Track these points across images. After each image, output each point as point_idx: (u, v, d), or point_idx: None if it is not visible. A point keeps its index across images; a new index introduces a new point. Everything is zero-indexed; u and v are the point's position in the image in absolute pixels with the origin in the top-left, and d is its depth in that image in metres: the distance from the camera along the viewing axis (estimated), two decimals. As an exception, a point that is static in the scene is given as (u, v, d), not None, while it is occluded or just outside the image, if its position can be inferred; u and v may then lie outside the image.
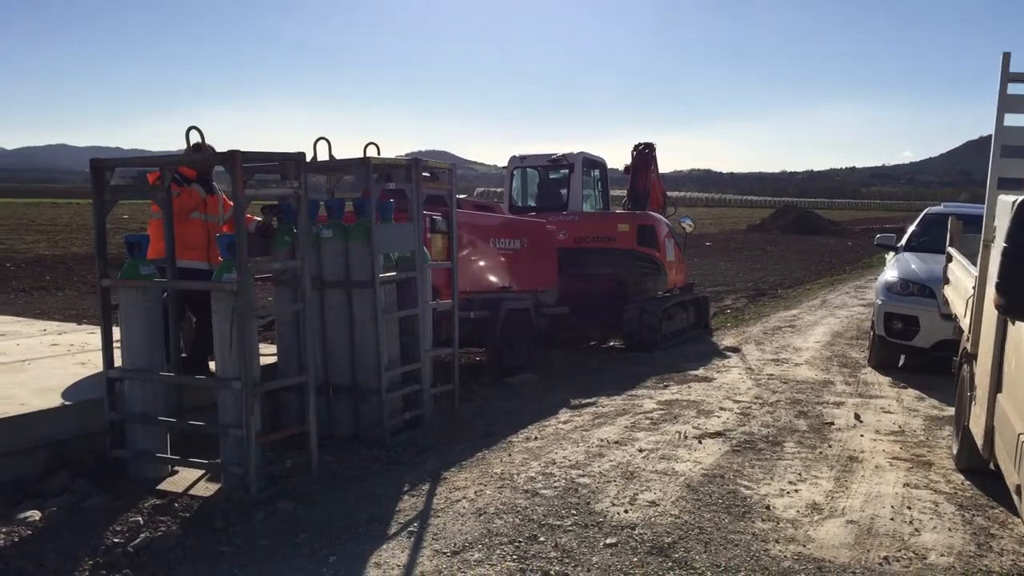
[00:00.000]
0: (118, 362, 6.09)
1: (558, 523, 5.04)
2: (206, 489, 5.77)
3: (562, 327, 11.45)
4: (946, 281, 7.65)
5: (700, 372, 9.46)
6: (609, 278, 11.79)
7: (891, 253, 11.08)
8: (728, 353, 10.81)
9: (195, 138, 6.14)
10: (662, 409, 7.71)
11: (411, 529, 5.01)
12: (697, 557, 4.59)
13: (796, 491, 5.66)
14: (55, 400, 6.07)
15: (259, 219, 7.29)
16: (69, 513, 5.27)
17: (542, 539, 4.82)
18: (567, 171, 12.88)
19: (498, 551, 4.66)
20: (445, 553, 4.65)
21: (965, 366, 6.14)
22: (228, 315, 5.53)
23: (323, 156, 6.96)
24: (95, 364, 7.27)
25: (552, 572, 4.40)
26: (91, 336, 8.76)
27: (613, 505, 5.33)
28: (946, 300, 7.56)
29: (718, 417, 7.44)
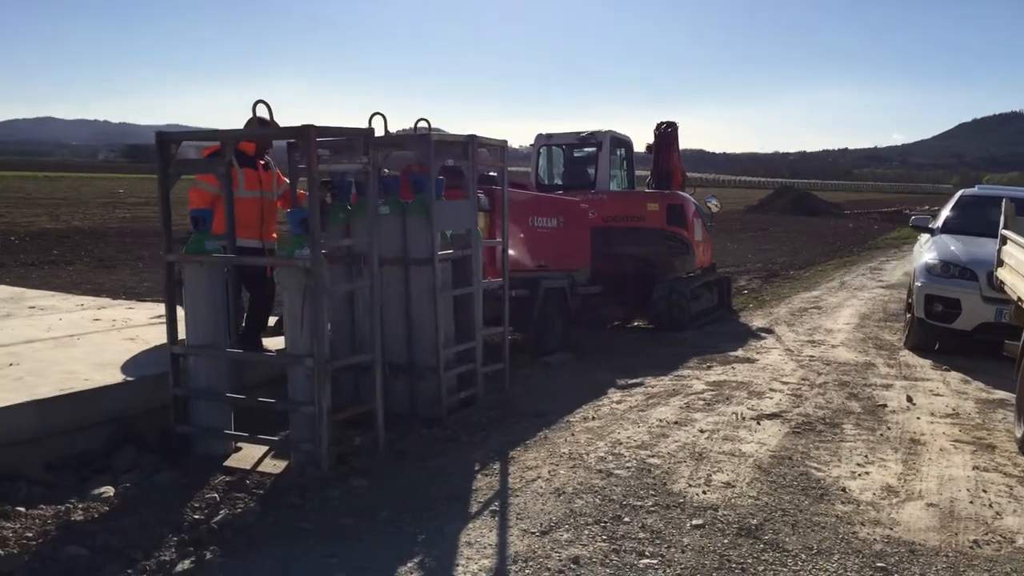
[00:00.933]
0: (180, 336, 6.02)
1: (639, 503, 5.02)
2: (274, 466, 5.73)
3: (588, 307, 11.40)
4: (999, 264, 7.63)
5: (740, 353, 9.44)
6: (638, 258, 11.73)
7: (926, 235, 11.03)
8: (762, 334, 10.80)
9: (262, 112, 6.05)
10: (712, 390, 7.69)
11: (493, 508, 4.98)
12: (787, 539, 4.58)
13: (867, 473, 5.65)
14: (116, 375, 6.01)
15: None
16: (142, 489, 5.23)
17: (627, 520, 4.79)
18: (595, 149, 12.80)
19: (586, 531, 4.64)
20: (533, 533, 4.62)
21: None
22: (300, 292, 5.47)
23: (379, 131, 6.87)
24: (144, 339, 7.23)
25: (646, 552, 4.38)
26: (130, 312, 8.70)
27: (690, 486, 5.30)
28: (1000, 283, 7.53)
29: (770, 399, 7.43)
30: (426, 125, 7.09)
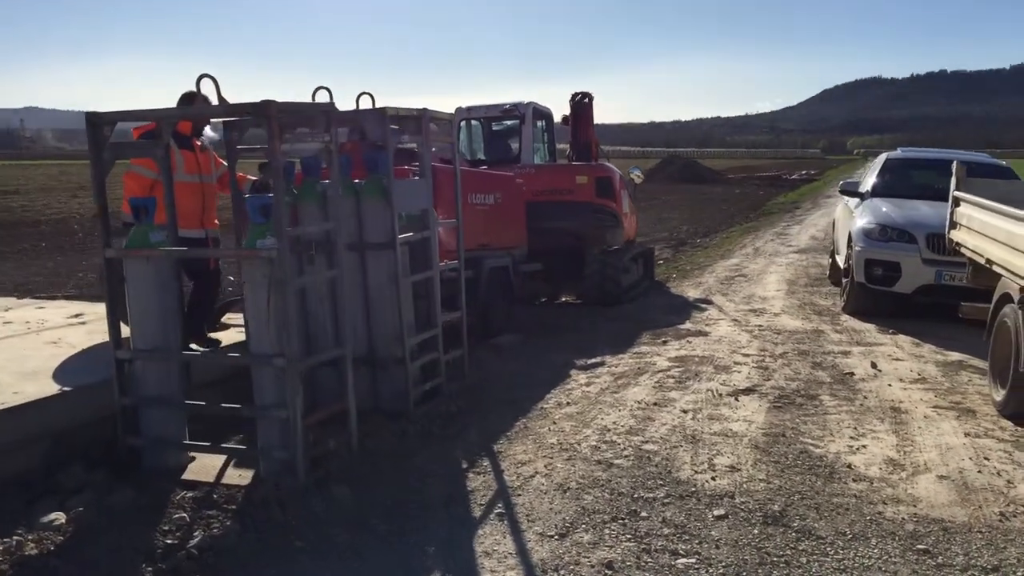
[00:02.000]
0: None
1: (651, 495, 4.73)
2: (240, 477, 5.21)
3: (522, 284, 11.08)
4: (952, 226, 7.63)
5: (689, 326, 9.28)
6: (568, 232, 11.41)
7: (854, 200, 11.08)
8: (702, 305, 10.67)
9: (206, 88, 5.42)
10: (678, 366, 7.47)
11: (498, 511, 4.61)
12: (817, 525, 4.37)
13: (864, 447, 5.51)
14: (50, 386, 5.37)
15: (253, 178, 6.65)
16: (98, 513, 4.66)
17: (644, 515, 4.50)
18: (516, 122, 12.43)
19: (606, 531, 4.33)
20: (551, 536, 4.28)
21: (1008, 310, 6.09)
22: (264, 285, 4.95)
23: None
24: (68, 343, 6.57)
25: (680, 551, 4.09)
26: (42, 312, 7.93)
27: (696, 473, 5.05)
28: (956, 245, 7.52)
29: (738, 372, 7.26)
30: (370, 100, 6.59)
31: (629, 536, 4.27)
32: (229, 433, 5.72)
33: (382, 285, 6.24)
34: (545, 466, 5.18)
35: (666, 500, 4.67)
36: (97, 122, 5.14)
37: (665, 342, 8.46)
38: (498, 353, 8.27)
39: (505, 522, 4.47)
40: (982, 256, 6.61)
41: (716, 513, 4.49)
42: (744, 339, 8.55)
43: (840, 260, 11.46)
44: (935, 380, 7.08)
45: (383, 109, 6.10)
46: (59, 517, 4.58)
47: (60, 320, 7.43)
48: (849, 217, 10.99)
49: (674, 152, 63.28)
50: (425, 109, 6.59)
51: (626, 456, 5.30)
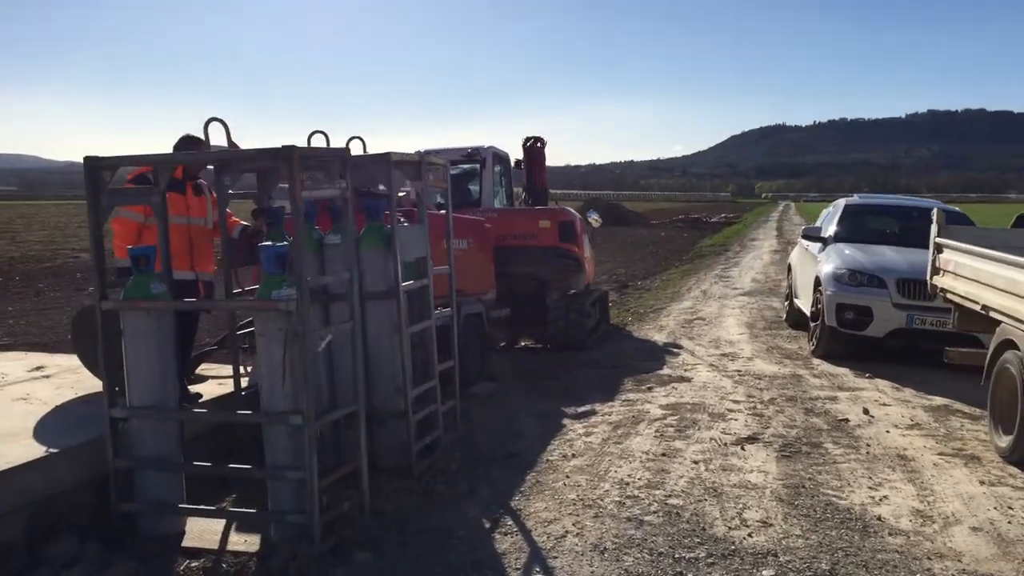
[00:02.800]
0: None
1: (692, 555, 4.55)
2: (246, 543, 4.88)
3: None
4: (935, 272, 7.70)
5: (668, 372, 9.17)
6: (532, 277, 11.26)
7: (815, 244, 11.20)
8: (673, 349, 10.59)
9: (216, 131, 5.14)
10: (672, 414, 7.34)
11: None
12: (872, 583, 4.24)
13: (886, 498, 5.44)
14: (34, 448, 4.95)
15: (245, 223, 6.35)
16: (101, 589, 4.29)
17: (692, 576, 4.31)
18: (477, 166, 12.28)
19: (659, 595, 4.12)
20: (602, 603, 4.06)
21: (1012, 356, 6.12)
22: (280, 338, 4.66)
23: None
24: (39, 399, 6.14)
25: (743, 616, 3.91)
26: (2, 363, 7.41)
27: (730, 529, 4.89)
28: (942, 291, 7.59)
29: (735, 420, 7.16)
30: (361, 144, 6.36)
31: (684, 601, 4.08)
32: (215, 493, 5.36)
33: (382, 336, 5.97)
34: (574, 524, 4.96)
35: (710, 560, 4.49)
36: (96, 166, 4.81)
37: (650, 388, 8.33)
38: (478, 402, 8.02)
39: (549, 588, 4.24)
40: (977, 303, 6.65)
41: (766, 574, 4.34)
42: (728, 385, 8.47)
43: (802, 304, 11.56)
44: (929, 426, 7.08)
45: (388, 155, 5.87)
46: (58, 596, 4.21)
47: (22, 374, 6.95)
48: (811, 262, 11.10)
49: (596, 195, 63.92)
50: (423, 154, 6.40)
51: (655, 512, 5.12)
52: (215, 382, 6.77)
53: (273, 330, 4.68)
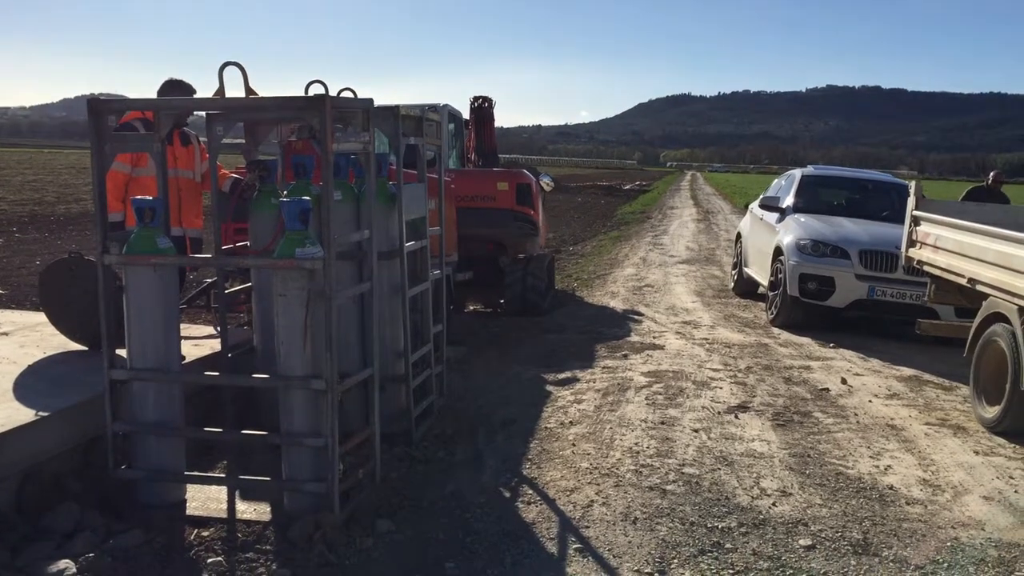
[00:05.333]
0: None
1: (723, 524, 4.51)
2: (256, 512, 4.65)
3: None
4: (911, 244, 7.82)
5: (638, 339, 9.13)
6: (490, 239, 11.08)
7: (771, 214, 11.29)
8: (634, 316, 10.57)
9: (232, 77, 4.77)
10: (656, 381, 7.30)
11: (575, 546, 4.28)
12: (907, 553, 4.28)
13: (889, 467, 5.50)
14: (19, 411, 4.60)
15: (236, 175, 6.01)
16: (112, 559, 4.02)
17: (730, 546, 4.28)
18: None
19: (703, 565, 4.08)
20: (650, 574, 3.98)
21: (1000, 329, 6.24)
22: (302, 299, 4.41)
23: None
24: (9, 359, 5.72)
25: (794, 587, 3.89)
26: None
27: (753, 499, 4.87)
28: (918, 263, 7.71)
29: (720, 388, 7.15)
30: (322, 88, 6.02)
31: (731, 572, 4.03)
32: (198, 458, 5.10)
33: (383, 297, 5.74)
34: (596, 494, 4.86)
35: (743, 530, 4.46)
36: (100, 110, 4.45)
37: (626, 356, 8.28)
38: (450, 367, 7.84)
39: (590, 558, 4.14)
40: (962, 276, 6.76)
41: (803, 543, 4.33)
42: (702, 353, 8.48)
43: (754, 273, 11.68)
44: (907, 396, 7.21)
45: (396, 107, 5.61)
46: (69, 566, 3.95)
47: (-17, 331, 6.48)
48: (767, 231, 11.19)
49: (512, 159, 63.57)
50: (425, 108, 6.15)
51: (674, 482, 5.06)
52: (190, 343, 6.43)
53: (295, 290, 4.42)
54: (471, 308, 11.55)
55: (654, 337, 9.22)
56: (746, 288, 12.27)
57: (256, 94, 4.70)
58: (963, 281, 6.77)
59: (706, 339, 9.20)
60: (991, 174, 12.07)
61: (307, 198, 4.49)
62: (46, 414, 4.60)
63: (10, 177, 34.90)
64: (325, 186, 4.36)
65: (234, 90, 4.70)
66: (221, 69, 4.60)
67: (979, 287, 6.56)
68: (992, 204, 9.45)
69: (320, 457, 4.47)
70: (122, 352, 4.68)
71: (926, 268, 7.57)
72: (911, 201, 7.88)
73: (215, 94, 4.60)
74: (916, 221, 7.76)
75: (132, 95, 5.96)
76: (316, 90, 5.71)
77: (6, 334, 6.48)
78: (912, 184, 8.13)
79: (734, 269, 13.12)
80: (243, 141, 5.64)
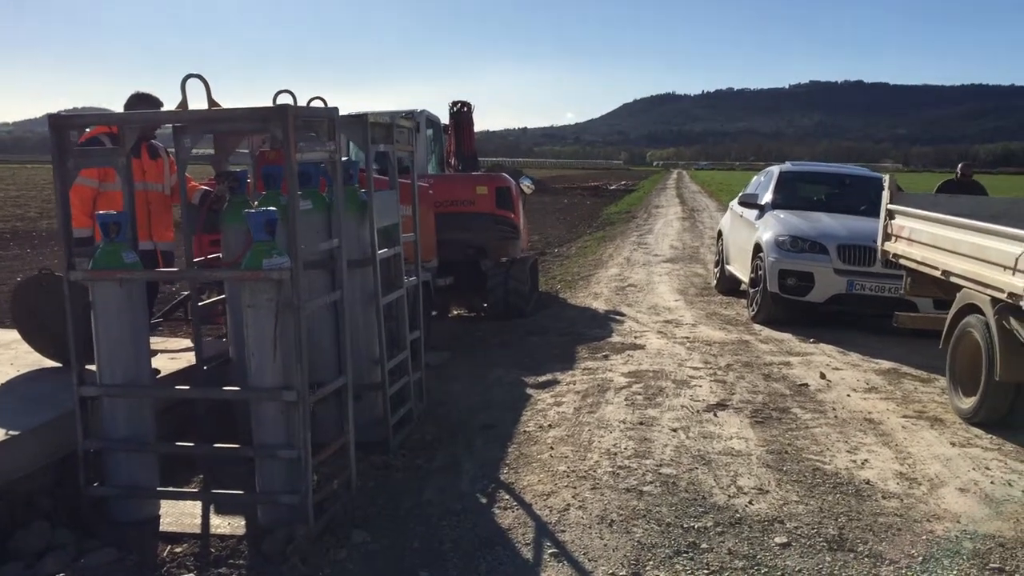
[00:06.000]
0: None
1: (699, 524, 4.51)
2: (231, 526, 4.63)
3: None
4: (887, 238, 7.84)
5: (619, 339, 9.13)
6: (470, 244, 11.07)
7: (751, 211, 11.31)
8: (616, 317, 10.57)
9: (194, 90, 4.76)
10: (636, 381, 7.29)
11: (550, 551, 4.27)
12: (882, 548, 4.28)
13: (866, 461, 5.51)
14: (-8, 430, 4.58)
15: (204, 187, 5.99)
16: (85, 577, 4.00)
17: (705, 546, 4.27)
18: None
19: (679, 566, 4.08)
20: (625, 576, 3.98)
21: (975, 320, 6.25)
22: (271, 310, 4.39)
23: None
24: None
25: (769, 585, 3.89)
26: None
27: (729, 497, 4.87)
28: (895, 257, 7.73)
29: (699, 387, 7.15)
30: (290, 97, 6.01)
31: (705, 572, 4.03)
32: (173, 472, 5.06)
33: (356, 305, 5.72)
34: (573, 497, 4.86)
35: (719, 529, 4.45)
36: (63, 125, 4.42)
37: (607, 356, 8.28)
38: (432, 373, 7.82)
39: (565, 563, 4.14)
40: (936, 268, 6.78)
41: (778, 541, 4.33)
42: (682, 352, 8.48)
43: (736, 270, 11.69)
44: (885, 389, 7.23)
45: (365, 116, 5.60)
46: (39, 586, 3.91)
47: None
48: (747, 228, 11.21)
49: (497, 162, 63.70)
50: (395, 115, 6.14)
51: (651, 483, 5.05)
52: (166, 356, 6.40)
53: (264, 301, 4.39)
54: (455, 313, 11.52)
55: (635, 337, 9.22)
56: (729, 286, 12.29)
57: (219, 106, 4.68)
58: (937, 273, 6.78)
59: (687, 338, 9.21)
60: (959, 166, 12.02)
61: (273, 208, 4.47)
62: (16, 433, 4.57)
63: (-8, 193, 34.74)
64: (291, 196, 4.34)
65: (200, 102, 4.68)
66: (183, 82, 4.58)
67: (953, 279, 6.58)
68: (965, 196, 9.47)
69: (293, 469, 4.45)
70: (93, 367, 4.66)
71: (902, 261, 7.58)
72: (885, 195, 7.90)
73: (178, 107, 4.59)
74: (891, 215, 7.78)
75: (115, 109, 5.94)
76: (284, 100, 5.71)
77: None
78: (886, 177, 8.14)
79: (716, 267, 13.14)
80: (212, 152, 5.64)
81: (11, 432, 4.56)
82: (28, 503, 4.59)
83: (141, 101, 5.45)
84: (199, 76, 4.61)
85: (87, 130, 5.35)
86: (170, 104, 5.03)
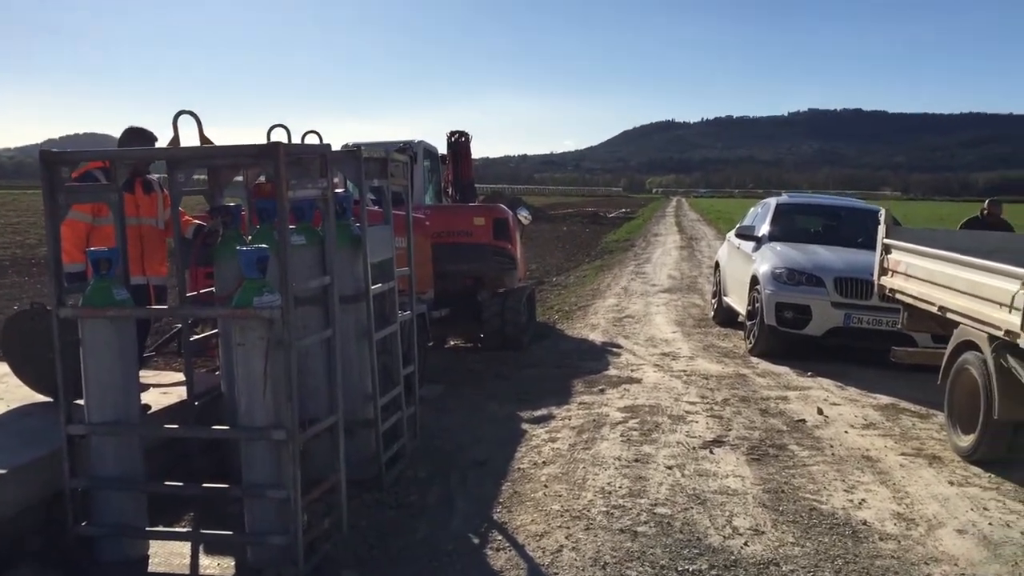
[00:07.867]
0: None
1: (694, 567, 4.45)
2: (220, 567, 4.58)
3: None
4: (883, 273, 7.81)
5: (615, 372, 9.08)
6: (468, 275, 11.06)
7: (747, 243, 11.29)
8: (613, 349, 10.52)
9: (186, 125, 4.78)
10: (632, 417, 7.25)
11: (543, 595, 4.20)
12: (879, 592, 4.21)
13: (863, 501, 5.45)
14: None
15: (198, 221, 5.98)
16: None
17: (700, 590, 4.21)
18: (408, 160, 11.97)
19: (672, 612, 4.01)
20: (617, 622, 3.92)
21: (972, 358, 6.22)
22: (261, 348, 4.36)
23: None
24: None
25: (764, 632, 3.82)
26: None
27: (725, 539, 4.81)
28: (891, 292, 7.70)
29: (695, 423, 7.11)
30: (284, 132, 6.00)
31: (699, 617, 3.97)
32: (163, 511, 5.00)
33: (349, 341, 5.69)
34: (566, 538, 4.80)
35: (713, 572, 4.40)
36: (54, 161, 4.41)
37: (603, 391, 8.23)
38: (427, 407, 7.77)
39: (557, 608, 4.07)
40: (933, 304, 6.74)
41: (774, 585, 4.27)
42: (679, 386, 8.44)
43: (733, 302, 11.66)
44: (884, 425, 7.18)
45: (358, 150, 5.59)
46: (24, 633, 3.84)
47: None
48: (744, 260, 11.19)
49: (496, 189, 63.82)
50: (388, 150, 6.14)
51: (645, 523, 5.00)
52: (158, 391, 6.35)
53: (254, 339, 4.36)
54: (452, 344, 11.48)
55: (632, 370, 9.18)
56: (726, 317, 12.25)
57: (211, 142, 4.68)
58: (934, 309, 6.75)
59: (684, 371, 9.16)
60: (986, 203, 11.28)
61: (264, 246, 4.45)
62: (4, 471, 4.52)
63: (-8, 219, 34.70)
64: (281, 233, 4.32)
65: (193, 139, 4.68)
66: (175, 118, 4.59)
67: (949, 315, 6.55)
68: (972, 231, 9.43)
69: (283, 509, 4.41)
70: (83, 402, 4.62)
71: (898, 296, 7.56)
72: (881, 229, 7.88)
73: (170, 143, 4.59)
74: (887, 249, 7.76)
75: (117, 135, 5.95)
76: (278, 135, 5.71)
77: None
78: (882, 211, 8.13)
79: (714, 298, 13.11)
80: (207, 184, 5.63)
81: (0, 471, 4.51)
82: (18, 542, 4.54)
83: (135, 136, 5.45)
84: (191, 112, 4.61)
85: (81, 165, 5.34)
86: (164, 138, 5.04)
